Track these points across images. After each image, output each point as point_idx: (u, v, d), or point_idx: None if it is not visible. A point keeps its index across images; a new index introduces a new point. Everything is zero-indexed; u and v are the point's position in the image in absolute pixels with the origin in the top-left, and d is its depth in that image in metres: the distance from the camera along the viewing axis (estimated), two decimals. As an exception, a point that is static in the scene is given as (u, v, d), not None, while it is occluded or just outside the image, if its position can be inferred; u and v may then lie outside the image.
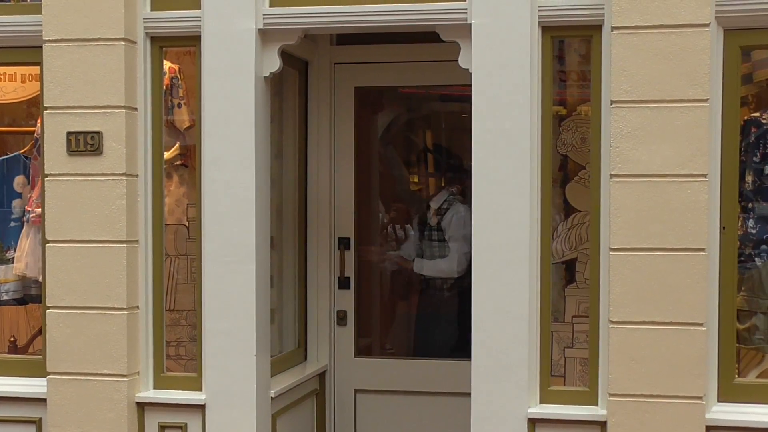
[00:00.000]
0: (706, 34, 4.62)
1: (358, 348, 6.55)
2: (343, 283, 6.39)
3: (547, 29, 4.91)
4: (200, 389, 5.32)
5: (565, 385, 5.12)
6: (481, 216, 4.94)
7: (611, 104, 4.73)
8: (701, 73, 4.62)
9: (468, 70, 4.99)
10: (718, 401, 4.83)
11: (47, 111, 5.27)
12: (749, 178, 5.07)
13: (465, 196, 6.59)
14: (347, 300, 6.45)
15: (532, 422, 4.90)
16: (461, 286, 6.52)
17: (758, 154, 5.10)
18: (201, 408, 5.29)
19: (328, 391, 6.52)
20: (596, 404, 4.89)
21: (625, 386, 4.71)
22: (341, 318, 6.42)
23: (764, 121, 5.14)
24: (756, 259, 5.11)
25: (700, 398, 4.71)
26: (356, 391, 6.50)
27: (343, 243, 6.37)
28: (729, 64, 4.75)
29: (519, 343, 4.90)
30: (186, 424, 5.33)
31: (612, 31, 4.71)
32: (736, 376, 4.90)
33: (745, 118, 5.03)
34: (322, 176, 6.34)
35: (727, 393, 4.84)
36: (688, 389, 4.68)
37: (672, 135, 4.64)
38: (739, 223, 4.94)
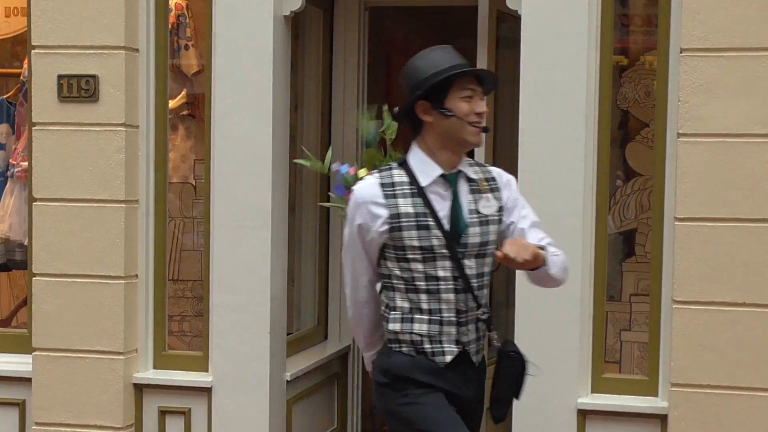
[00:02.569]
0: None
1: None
2: None
3: (609, -35, 4.90)
4: (206, 370, 5.38)
5: (620, 372, 5.18)
6: (528, 180, 4.90)
7: (681, 53, 4.73)
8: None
9: (515, 11, 4.99)
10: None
11: (35, 51, 5.30)
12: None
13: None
14: None
15: (583, 414, 4.94)
16: None
17: None
18: (207, 391, 5.35)
19: (351, 375, 6.51)
20: (656, 395, 4.92)
21: (690, 375, 4.74)
22: None
23: None
24: None
25: (776, 390, 4.71)
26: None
27: None
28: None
29: (569, 325, 4.91)
30: (189, 409, 5.41)
31: (686, -33, 4.68)
32: (820, 366, 4.91)
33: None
34: (348, 130, 6.27)
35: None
36: (763, 380, 4.69)
37: (751, 89, 4.64)
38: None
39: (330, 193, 5.14)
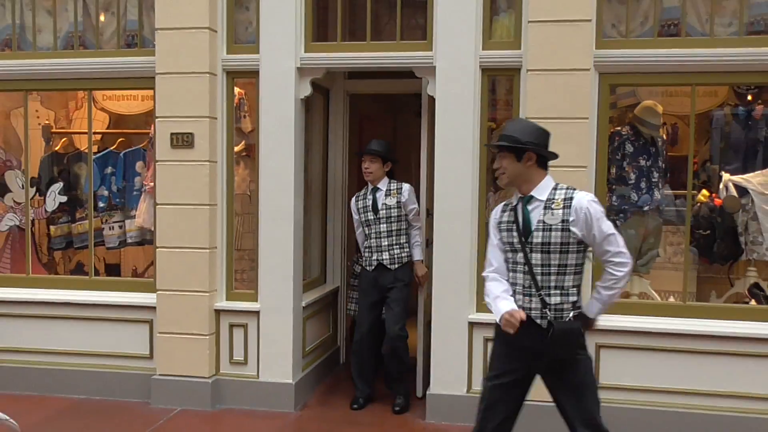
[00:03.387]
0: (588, 76, 4.64)
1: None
2: None
3: (485, 71, 4.92)
4: (256, 301, 5.30)
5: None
6: (441, 190, 4.88)
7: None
8: (585, 101, 4.65)
9: (433, 96, 4.98)
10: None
11: (158, 119, 5.24)
12: (613, 170, 5.14)
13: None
14: None
15: (471, 325, 4.83)
16: None
17: (619, 154, 5.19)
18: (257, 314, 5.29)
19: (340, 303, 6.43)
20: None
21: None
22: None
23: (623, 133, 5.23)
24: (616, 222, 5.13)
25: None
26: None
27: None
28: (602, 96, 4.76)
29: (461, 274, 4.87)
30: (247, 324, 5.33)
31: (527, 72, 4.73)
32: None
33: (611, 130, 5.07)
34: (337, 166, 6.24)
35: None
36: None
37: (566, 140, 4.60)
38: (606, 198, 4.95)
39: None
